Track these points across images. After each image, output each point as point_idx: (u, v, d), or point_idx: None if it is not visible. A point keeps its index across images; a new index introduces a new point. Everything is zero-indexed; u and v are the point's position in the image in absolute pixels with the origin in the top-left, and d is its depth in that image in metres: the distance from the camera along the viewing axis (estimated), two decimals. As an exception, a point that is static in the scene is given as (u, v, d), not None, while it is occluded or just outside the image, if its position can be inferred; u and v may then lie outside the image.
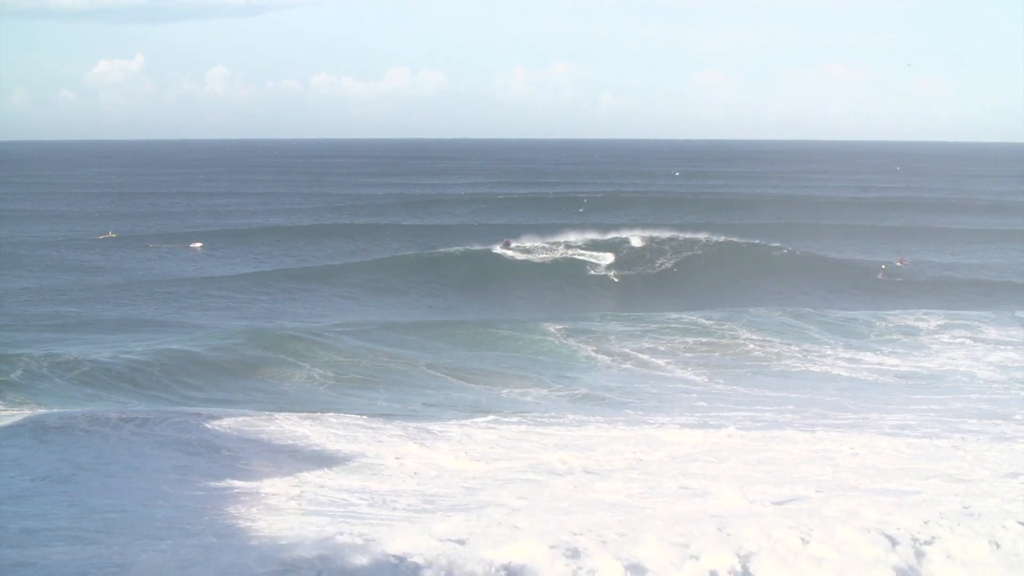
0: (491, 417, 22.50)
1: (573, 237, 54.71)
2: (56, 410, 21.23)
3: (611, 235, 54.92)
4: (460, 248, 53.55)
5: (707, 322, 34.33)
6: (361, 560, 11.75)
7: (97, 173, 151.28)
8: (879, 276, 52.61)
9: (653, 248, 53.59)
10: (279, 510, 15.13)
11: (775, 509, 14.18)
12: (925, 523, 12.90)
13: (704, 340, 32.46)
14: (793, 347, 32.19)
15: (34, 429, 19.37)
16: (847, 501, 14.41)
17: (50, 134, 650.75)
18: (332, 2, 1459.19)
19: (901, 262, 56.23)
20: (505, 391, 26.33)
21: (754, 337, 32.93)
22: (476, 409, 23.97)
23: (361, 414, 22.02)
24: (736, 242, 55.58)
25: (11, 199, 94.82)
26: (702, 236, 55.22)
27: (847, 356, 31.26)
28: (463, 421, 21.94)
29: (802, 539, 12.17)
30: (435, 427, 20.93)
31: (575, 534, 12.27)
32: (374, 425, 20.82)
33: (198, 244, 63.79)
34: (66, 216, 79.40)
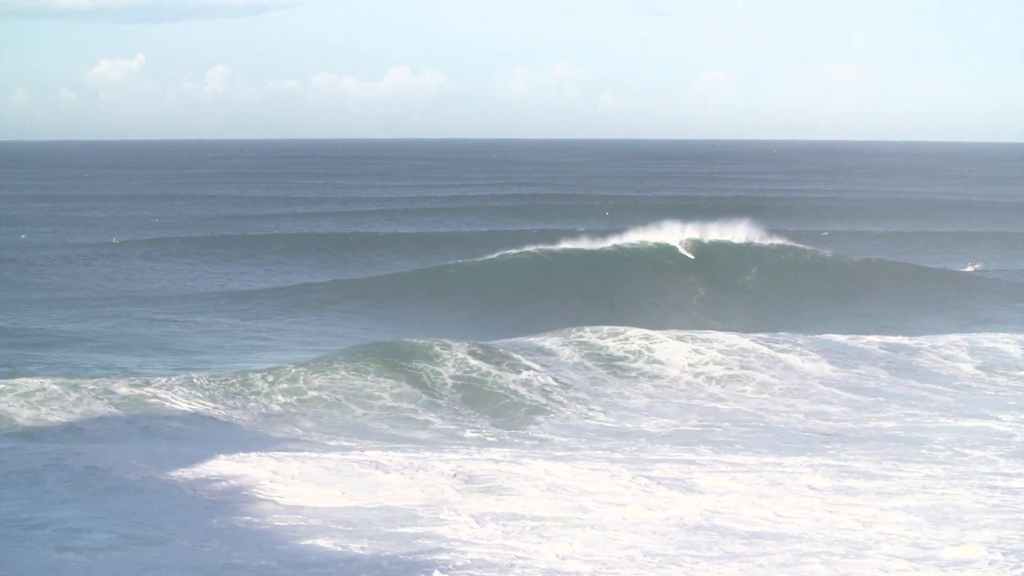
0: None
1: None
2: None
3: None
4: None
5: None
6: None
7: (89, 174, 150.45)
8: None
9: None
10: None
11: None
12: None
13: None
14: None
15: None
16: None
17: (50, 134, 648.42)
18: (333, 2, 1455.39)
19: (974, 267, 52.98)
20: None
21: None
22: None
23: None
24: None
25: (16, 201, 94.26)
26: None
27: None
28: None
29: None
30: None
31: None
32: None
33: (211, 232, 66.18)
34: (63, 220, 78.81)
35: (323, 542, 14.53)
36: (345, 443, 21.05)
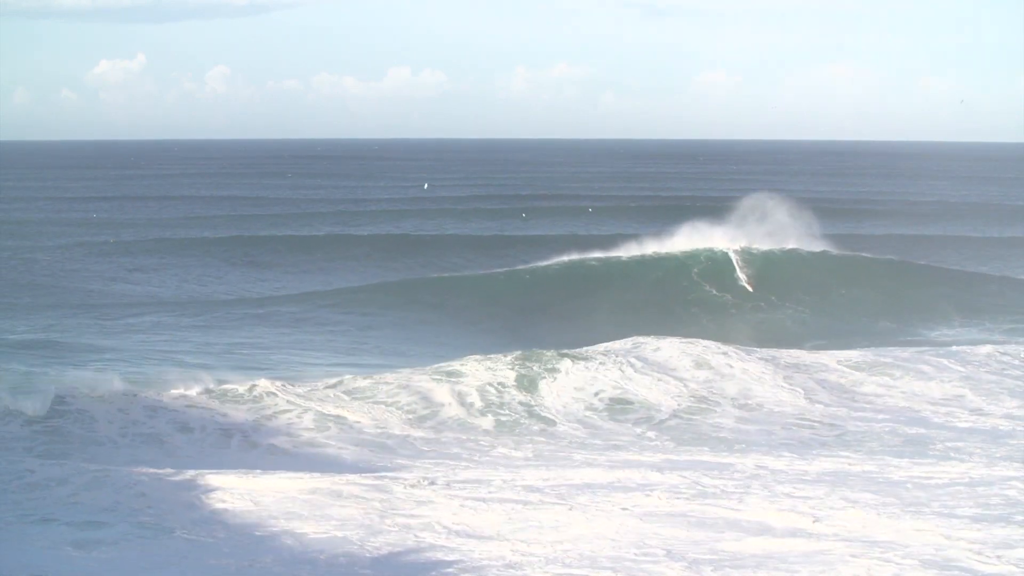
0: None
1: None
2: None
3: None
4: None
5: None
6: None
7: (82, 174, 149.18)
8: None
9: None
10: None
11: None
12: None
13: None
14: None
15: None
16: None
17: (51, 134, 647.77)
18: (333, 2, 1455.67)
19: None
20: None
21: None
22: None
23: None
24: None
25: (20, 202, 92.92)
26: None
27: None
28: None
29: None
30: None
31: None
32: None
33: None
34: (60, 220, 76.82)
35: (325, 538, 14.64)
36: (359, 432, 21.26)
